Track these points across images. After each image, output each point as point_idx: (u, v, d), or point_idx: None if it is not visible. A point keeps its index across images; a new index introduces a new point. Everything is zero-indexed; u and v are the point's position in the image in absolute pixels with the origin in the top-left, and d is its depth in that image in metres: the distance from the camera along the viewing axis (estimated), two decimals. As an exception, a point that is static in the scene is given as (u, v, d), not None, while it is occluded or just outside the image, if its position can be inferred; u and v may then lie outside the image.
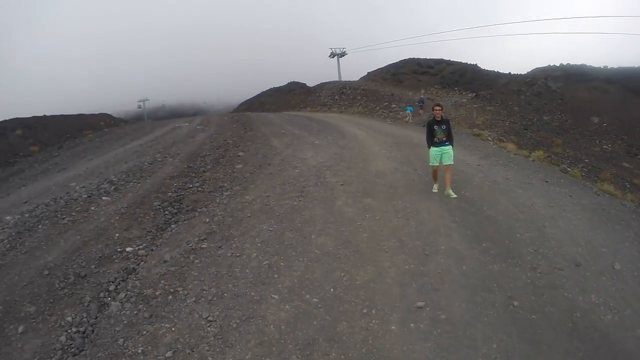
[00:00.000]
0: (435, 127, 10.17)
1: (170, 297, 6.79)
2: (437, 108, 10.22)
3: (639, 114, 27.63)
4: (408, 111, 28.11)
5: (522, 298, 6.38)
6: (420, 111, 29.02)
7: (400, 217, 9.14)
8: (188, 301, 6.60)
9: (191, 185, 12.04)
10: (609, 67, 32.79)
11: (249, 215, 9.65)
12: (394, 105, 33.98)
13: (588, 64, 32.94)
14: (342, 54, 60.47)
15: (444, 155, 10.12)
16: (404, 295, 6.44)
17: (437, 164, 10.30)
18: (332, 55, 60.54)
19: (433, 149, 10.25)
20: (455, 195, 10.16)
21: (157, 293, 6.91)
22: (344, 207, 9.78)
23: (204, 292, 6.79)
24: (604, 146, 24.40)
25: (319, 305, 6.25)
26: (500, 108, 29.99)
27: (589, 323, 5.90)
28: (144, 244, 8.76)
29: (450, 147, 10.18)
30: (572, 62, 33.78)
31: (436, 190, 10.55)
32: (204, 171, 13.36)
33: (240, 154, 15.42)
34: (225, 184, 12.13)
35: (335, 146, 16.53)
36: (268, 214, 9.59)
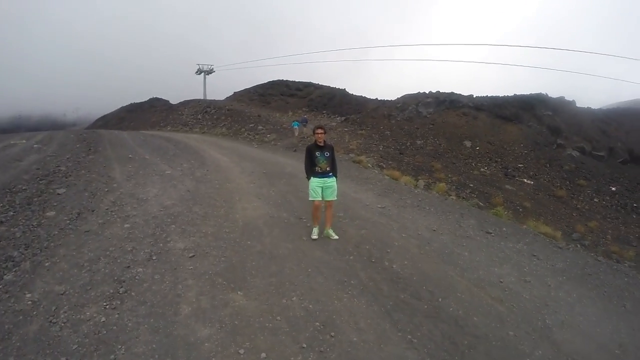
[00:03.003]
0: (318, 153, 7.46)
1: None
2: (319, 131, 7.54)
3: (507, 138, 27.11)
4: (295, 126, 25.96)
5: None
6: (304, 129, 26.50)
7: (308, 349, 4.34)
8: None
9: (-33, 255, 6.28)
10: (475, 96, 32.41)
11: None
12: (260, 127, 29.89)
13: (457, 92, 32.27)
14: (210, 71, 55.18)
15: (327, 189, 7.47)
16: None
17: (320, 199, 7.45)
18: (199, 71, 54.99)
19: (314, 180, 7.48)
20: (337, 237, 7.51)
21: None
22: (195, 324, 4.65)
23: None
24: (482, 169, 22.83)
25: None
26: (371, 132, 27.51)
27: None
28: None
29: (334, 179, 7.58)
30: (441, 90, 32.94)
31: (316, 237, 7.45)
32: (0, 222, 7.64)
33: (61, 190, 9.71)
34: (16, 253, 6.41)
35: (190, 178, 11.55)
36: (44, 357, 4.14)
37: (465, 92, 32.54)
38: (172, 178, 11.47)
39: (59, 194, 9.45)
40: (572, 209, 19.55)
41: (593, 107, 36.21)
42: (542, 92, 32.34)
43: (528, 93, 32.21)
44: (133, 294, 5.22)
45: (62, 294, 5.22)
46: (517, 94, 32.35)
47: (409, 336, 4.64)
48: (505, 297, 5.85)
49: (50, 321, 4.68)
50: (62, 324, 4.63)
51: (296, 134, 25.26)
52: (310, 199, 7.48)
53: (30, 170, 11.35)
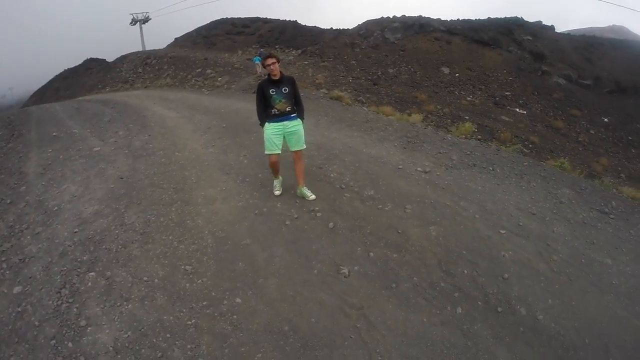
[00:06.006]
0: (272, 91, 4.94)
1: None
2: (271, 61, 4.89)
3: (488, 63, 24.06)
4: (257, 62, 20.94)
5: None
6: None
7: None
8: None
9: None
10: (445, 19, 28.64)
11: None
12: (209, 71, 25.00)
13: (425, 16, 28.16)
14: (145, 20, 47.16)
15: (290, 136, 5.09)
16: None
17: (278, 152, 5.06)
18: (134, 22, 46.89)
19: (269, 127, 5.04)
20: (314, 196, 5.23)
21: None
22: None
23: None
24: (468, 98, 19.85)
25: None
26: (335, 63, 23.66)
27: None
28: None
29: (299, 122, 5.15)
30: (407, 14, 28.72)
31: (279, 192, 5.37)
32: None
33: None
34: None
35: (125, 153, 7.76)
36: None
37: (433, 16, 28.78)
38: (101, 158, 7.62)
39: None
40: (575, 142, 17.47)
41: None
42: (518, 16, 28.97)
43: (503, 17, 28.74)
44: None
45: None
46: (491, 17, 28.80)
47: None
48: None
49: None
50: None
51: (259, 70, 20.94)
52: (266, 152, 5.14)
53: None
